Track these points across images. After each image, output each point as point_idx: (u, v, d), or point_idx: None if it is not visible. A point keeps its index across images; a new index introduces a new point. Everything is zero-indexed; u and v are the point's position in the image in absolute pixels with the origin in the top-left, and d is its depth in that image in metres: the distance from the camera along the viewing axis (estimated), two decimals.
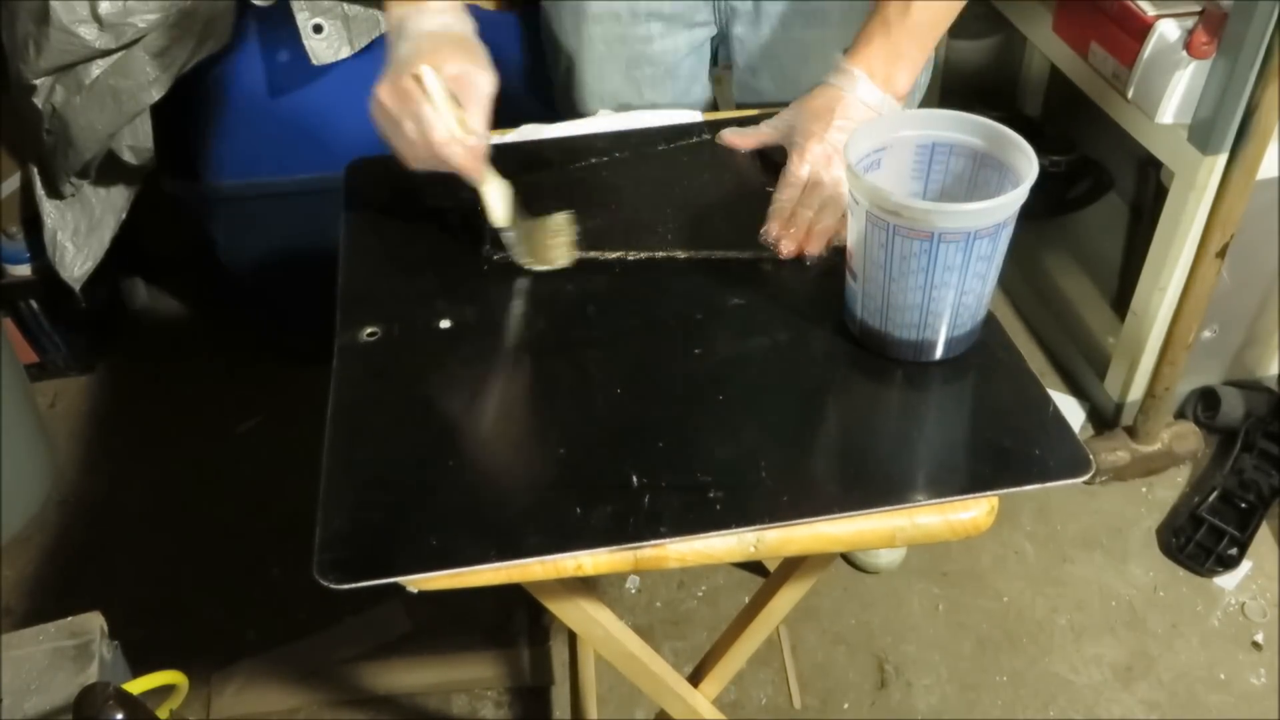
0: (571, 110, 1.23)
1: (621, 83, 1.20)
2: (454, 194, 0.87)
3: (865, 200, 0.72)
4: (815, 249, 0.87)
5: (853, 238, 0.77)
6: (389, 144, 0.84)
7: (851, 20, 0.97)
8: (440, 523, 0.69)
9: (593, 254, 0.90)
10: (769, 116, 1.00)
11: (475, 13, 1.37)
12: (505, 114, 0.97)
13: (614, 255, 0.90)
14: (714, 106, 1.25)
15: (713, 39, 1.20)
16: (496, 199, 0.87)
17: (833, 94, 0.91)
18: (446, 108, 0.81)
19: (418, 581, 0.66)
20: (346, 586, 0.64)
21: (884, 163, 0.79)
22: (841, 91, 0.91)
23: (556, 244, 0.90)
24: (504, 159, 0.87)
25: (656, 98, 1.20)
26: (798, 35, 1.14)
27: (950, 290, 0.73)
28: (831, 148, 0.90)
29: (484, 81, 0.83)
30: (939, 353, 0.78)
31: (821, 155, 0.90)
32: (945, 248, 0.71)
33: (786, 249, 0.87)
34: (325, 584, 0.64)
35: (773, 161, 0.98)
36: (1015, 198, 0.70)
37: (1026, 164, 0.73)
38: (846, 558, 1.56)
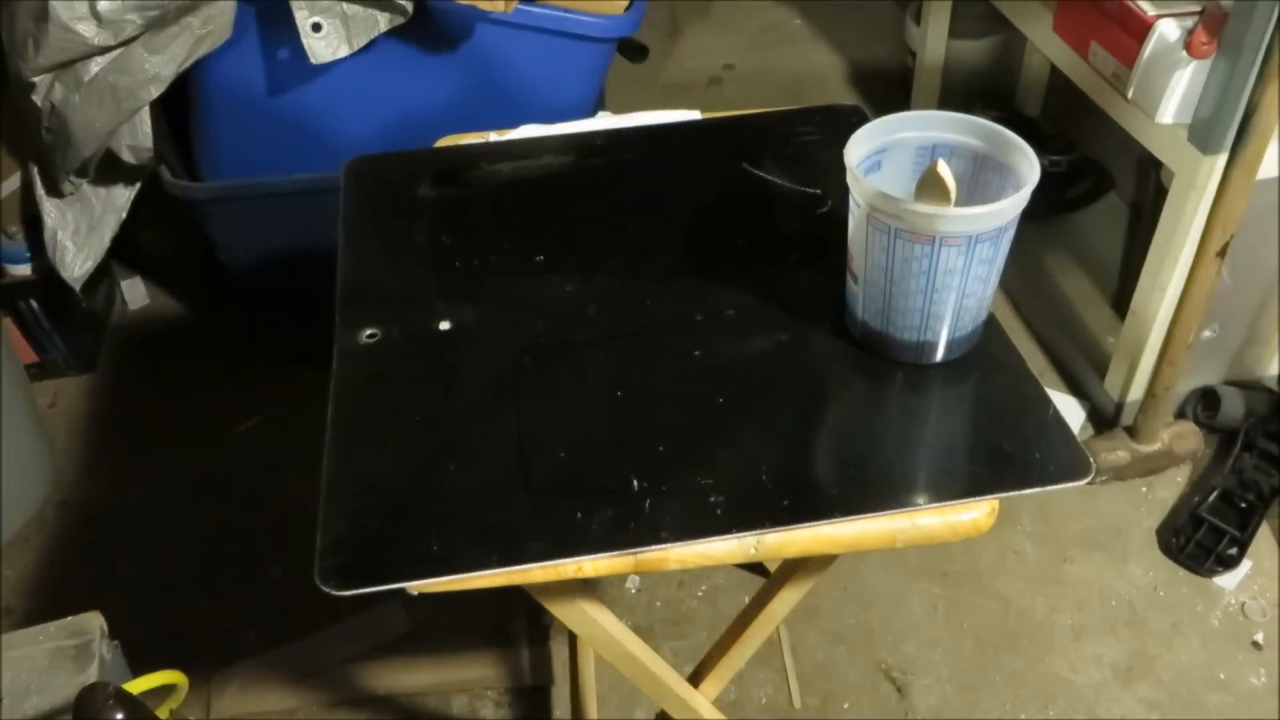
0: None
1: None
2: (453, 193, 0.87)
3: (866, 203, 0.72)
4: None
5: (853, 239, 0.76)
6: None
7: None
8: (441, 528, 0.69)
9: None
10: (766, 117, 0.99)
11: (477, 14, 1.38)
12: (505, 114, 0.97)
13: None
14: None
15: None
16: None
17: None
18: None
19: (419, 585, 0.66)
20: (349, 593, 0.64)
21: (884, 164, 0.79)
22: None
23: None
24: (501, 155, 0.86)
25: None
26: None
27: (951, 293, 0.73)
28: None
29: None
30: (939, 355, 0.78)
31: None
32: (947, 252, 0.71)
33: None
34: (327, 590, 0.64)
35: (773, 162, 0.98)
36: (1017, 202, 0.70)
37: (1028, 167, 0.73)
38: None
